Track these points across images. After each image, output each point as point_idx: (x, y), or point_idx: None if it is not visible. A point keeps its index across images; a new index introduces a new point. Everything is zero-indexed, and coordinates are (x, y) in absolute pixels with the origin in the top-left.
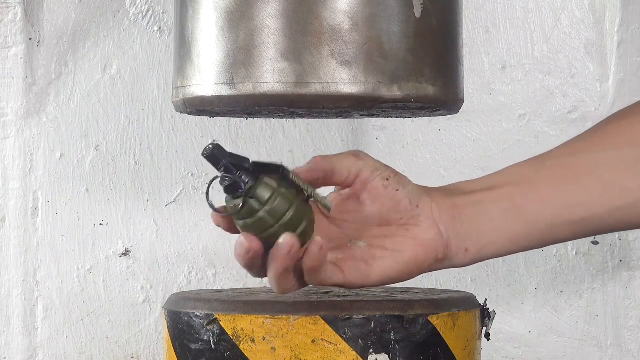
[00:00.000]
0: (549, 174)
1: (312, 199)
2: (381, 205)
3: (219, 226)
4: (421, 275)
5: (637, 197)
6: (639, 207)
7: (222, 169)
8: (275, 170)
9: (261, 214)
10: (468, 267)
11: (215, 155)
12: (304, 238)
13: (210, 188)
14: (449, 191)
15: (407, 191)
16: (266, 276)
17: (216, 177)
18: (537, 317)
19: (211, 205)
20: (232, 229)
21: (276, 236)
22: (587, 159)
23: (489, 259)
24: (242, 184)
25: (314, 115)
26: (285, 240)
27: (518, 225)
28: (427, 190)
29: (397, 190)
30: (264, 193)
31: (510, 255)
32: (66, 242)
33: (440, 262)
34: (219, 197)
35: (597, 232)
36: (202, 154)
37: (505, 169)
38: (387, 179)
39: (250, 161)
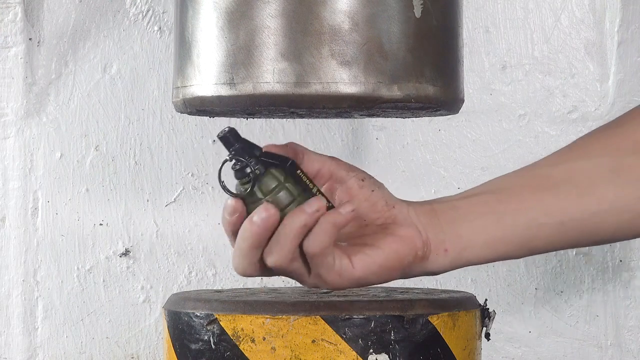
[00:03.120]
0: (528, 183)
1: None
2: (358, 205)
3: (234, 214)
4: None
5: (612, 204)
6: (614, 214)
7: (233, 152)
8: (284, 163)
9: (262, 203)
10: (468, 267)
11: (229, 138)
12: None
13: (222, 172)
14: (426, 201)
15: (382, 193)
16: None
17: (226, 160)
18: (537, 317)
19: (223, 187)
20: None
21: None
22: (565, 168)
23: (469, 264)
24: (249, 170)
25: (314, 115)
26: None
27: (496, 229)
28: (403, 199)
29: (373, 190)
30: (269, 183)
31: None
32: (66, 242)
33: (420, 261)
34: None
35: (577, 240)
36: (217, 135)
37: (485, 182)
38: (363, 180)
39: (262, 150)
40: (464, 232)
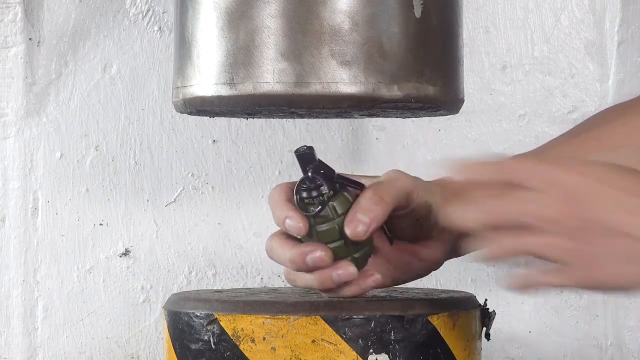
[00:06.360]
0: None
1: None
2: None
3: (299, 235)
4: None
5: None
6: None
7: (310, 171)
8: (361, 187)
9: (331, 224)
10: (468, 267)
11: (307, 156)
12: (364, 260)
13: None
14: None
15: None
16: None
17: (304, 178)
18: (537, 317)
19: (302, 205)
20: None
21: (338, 252)
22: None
23: None
24: (323, 190)
25: (314, 115)
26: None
27: None
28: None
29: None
30: (340, 206)
31: None
32: (66, 242)
33: None
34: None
35: None
36: (295, 152)
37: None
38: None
39: (335, 173)
40: None
